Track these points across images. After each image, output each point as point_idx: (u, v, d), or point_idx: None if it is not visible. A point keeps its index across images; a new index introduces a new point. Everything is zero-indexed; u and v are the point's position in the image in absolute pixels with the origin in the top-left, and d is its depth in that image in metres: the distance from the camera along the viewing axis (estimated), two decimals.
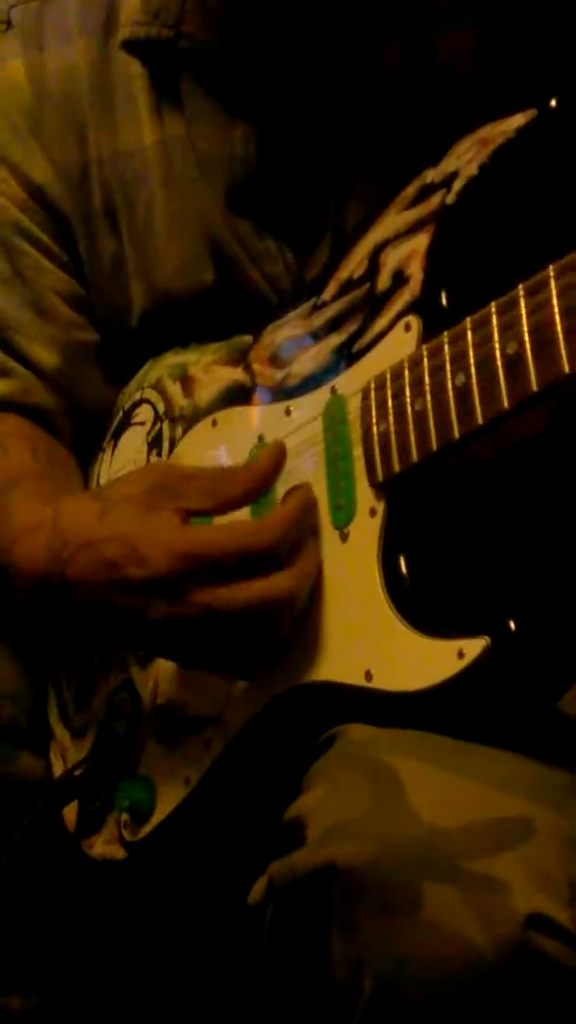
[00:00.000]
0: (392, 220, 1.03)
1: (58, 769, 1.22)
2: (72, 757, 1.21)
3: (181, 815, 1.09)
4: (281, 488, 1.06)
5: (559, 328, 0.84)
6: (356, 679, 0.96)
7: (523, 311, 0.88)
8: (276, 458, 1.04)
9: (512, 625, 0.88)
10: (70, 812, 1.20)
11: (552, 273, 0.86)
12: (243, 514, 1.06)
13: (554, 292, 0.85)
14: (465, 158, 0.97)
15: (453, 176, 0.98)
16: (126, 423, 1.26)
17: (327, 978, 0.87)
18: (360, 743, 0.95)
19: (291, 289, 1.13)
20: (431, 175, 1.00)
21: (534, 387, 0.86)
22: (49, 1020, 1.17)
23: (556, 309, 0.85)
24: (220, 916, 1.09)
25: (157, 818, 1.11)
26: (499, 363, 0.89)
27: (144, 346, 1.23)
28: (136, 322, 1.21)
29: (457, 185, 0.98)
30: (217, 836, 1.10)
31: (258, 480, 1.03)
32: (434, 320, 0.97)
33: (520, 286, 0.89)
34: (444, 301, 0.97)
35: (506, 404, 0.88)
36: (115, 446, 1.27)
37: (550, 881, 0.83)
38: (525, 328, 0.87)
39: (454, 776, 0.89)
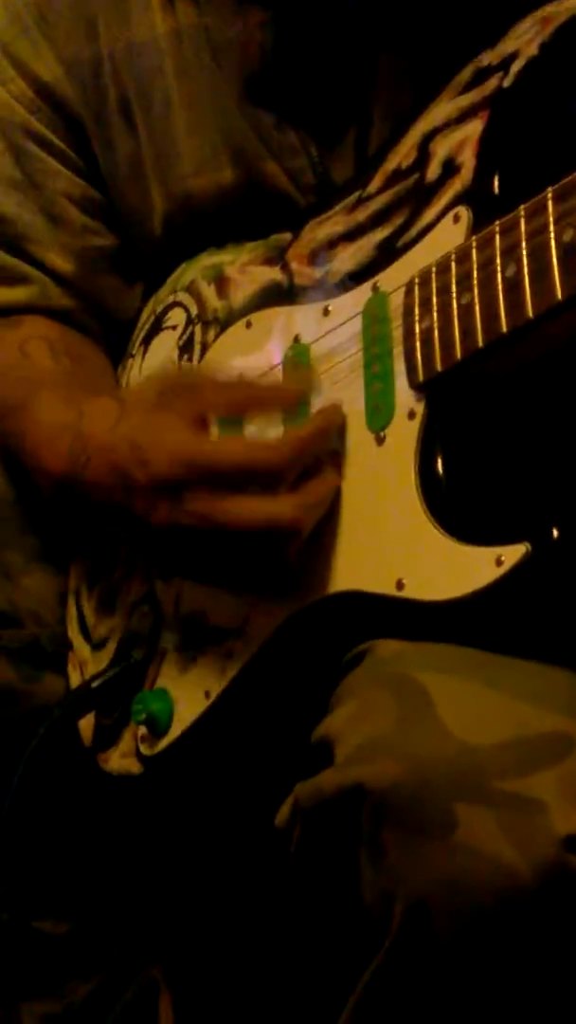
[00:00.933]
0: (444, 107, 0.97)
1: (75, 682, 1.19)
2: (91, 669, 1.17)
3: (200, 729, 1.05)
4: (315, 396, 1.02)
5: None
6: (387, 588, 0.91)
7: None
8: (306, 383, 1.00)
9: (555, 532, 0.83)
10: (86, 725, 1.17)
11: None
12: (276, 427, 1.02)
13: None
14: (525, 38, 0.91)
15: (512, 57, 0.92)
16: (157, 327, 1.21)
17: (356, 904, 0.83)
18: (389, 659, 0.90)
19: (316, 183, 1.08)
20: (487, 58, 0.94)
21: None
22: (81, 942, 1.15)
23: None
24: (239, 834, 1.06)
25: (175, 732, 1.07)
26: (554, 253, 0.83)
27: (171, 250, 1.19)
28: (159, 226, 1.17)
29: (516, 67, 0.92)
30: (237, 752, 1.05)
31: (281, 399, 1.00)
32: (485, 210, 0.91)
33: None
34: (496, 189, 0.91)
35: (559, 295, 0.82)
36: (145, 351, 1.22)
37: None
38: None
39: (488, 691, 0.84)
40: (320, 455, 0.98)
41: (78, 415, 1.03)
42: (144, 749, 1.09)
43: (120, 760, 1.12)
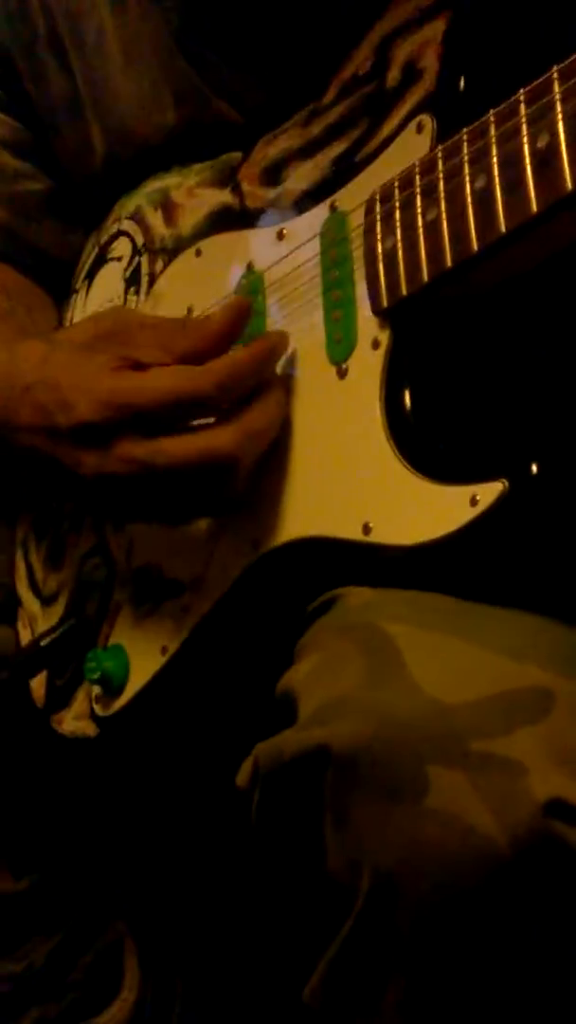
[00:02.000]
0: (403, 7, 0.89)
1: (25, 639, 1.13)
2: (41, 627, 1.11)
3: (157, 687, 0.98)
4: (274, 320, 0.94)
5: None
6: (352, 533, 0.84)
7: (557, 97, 0.74)
8: (239, 313, 0.92)
9: (534, 468, 0.76)
10: (38, 685, 1.10)
11: None
12: None
13: None
14: None
15: None
16: (102, 260, 1.13)
17: (322, 871, 0.77)
18: (357, 608, 0.84)
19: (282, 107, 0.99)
20: None
21: (569, 185, 0.73)
22: (41, 900, 1.10)
23: None
24: (201, 796, 0.99)
25: (131, 691, 1.00)
26: (527, 160, 0.75)
27: (114, 188, 1.11)
28: (100, 165, 1.09)
29: None
30: (198, 711, 0.99)
31: (216, 334, 0.91)
32: (451, 118, 0.83)
33: (554, 68, 0.75)
34: (462, 88, 0.83)
35: (534, 207, 0.75)
36: (89, 286, 1.15)
37: (571, 760, 0.72)
38: (560, 116, 0.74)
39: (463, 643, 0.77)
40: (264, 382, 0.91)
41: (8, 356, 0.96)
42: (99, 710, 1.02)
43: (74, 722, 1.06)
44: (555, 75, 0.75)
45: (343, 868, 0.75)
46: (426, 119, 0.86)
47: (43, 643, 1.07)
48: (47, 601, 1.12)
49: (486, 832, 0.71)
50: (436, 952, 0.73)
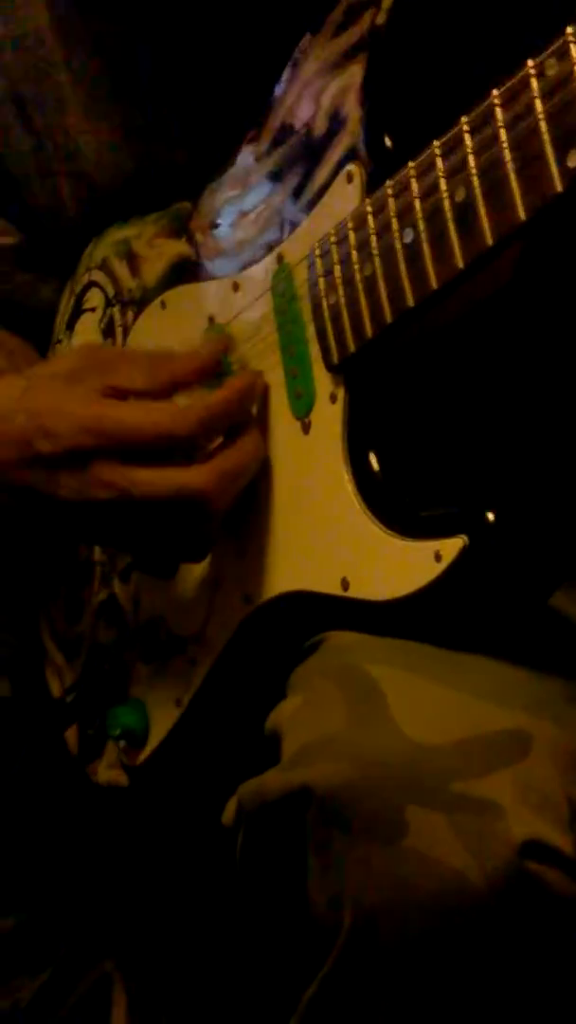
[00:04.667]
0: (322, 50, 0.88)
1: (55, 689, 1.16)
2: (68, 678, 1.14)
3: (176, 737, 1.01)
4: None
5: (510, 166, 0.71)
6: (332, 588, 0.86)
7: (469, 149, 0.74)
8: (217, 346, 0.94)
9: (491, 517, 0.77)
10: (71, 735, 1.14)
11: (497, 100, 0.72)
12: None
13: (501, 125, 0.71)
14: None
15: None
16: (78, 310, 1.15)
17: (305, 907, 0.79)
18: (342, 650, 0.85)
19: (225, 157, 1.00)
20: None
21: (489, 240, 0.73)
22: (29, 937, 1.13)
23: (505, 145, 0.71)
24: (193, 835, 1.02)
25: (154, 742, 1.03)
26: (448, 215, 0.75)
27: (85, 236, 1.12)
28: (73, 218, 1.10)
29: (386, 1, 0.83)
30: (217, 757, 1.02)
31: (195, 365, 0.93)
32: (379, 166, 0.83)
33: (463, 119, 0.75)
34: (387, 142, 0.83)
35: (460, 263, 0.75)
36: (71, 336, 1.16)
37: (548, 802, 0.74)
38: (474, 170, 0.74)
39: (442, 687, 0.79)
40: (242, 423, 0.92)
41: None
42: (127, 760, 1.06)
43: (108, 771, 1.09)
44: (465, 126, 0.75)
45: (325, 907, 0.77)
46: (355, 169, 0.85)
47: (68, 699, 1.11)
48: (70, 654, 1.15)
49: (464, 872, 0.73)
50: (416, 990, 0.75)
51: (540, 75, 0.69)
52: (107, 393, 0.92)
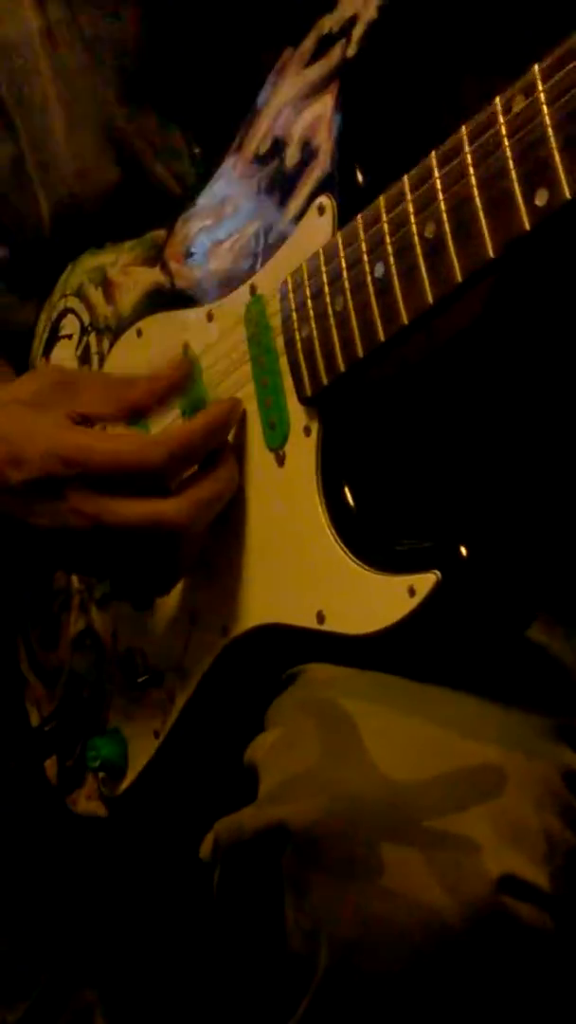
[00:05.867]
0: (293, 82, 0.88)
1: (35, 719, 1.15)
2: (46, 707, 1.13)
3: (155, 769, 1.01)
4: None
5: (478, 203, 0.70)
6: (308, 621, 0.85)
7: (438, 185, 0.74)
8: (182, 369, 0.94)
9: (464, 551, 0.76)
10: (51, 765, 1.13)
11: (465, 135, 0.72)
12: None
13: (469, 160, 0.71)
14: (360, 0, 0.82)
15: (351, 22, 0.83)
16: (55, 337, 1.14)
17: (283, 946, 0.79)
18: (317, 684, 0.85)
19: (197, 184, 1.00)
20: (328, 23, 0.85)
21: (458, 277, 0.73)
22: (10, 967, 1.12)
23: (473, 180, 0.71)
24: (200, 869, 1.02)
25: (132, 773, 1.03)
26: (418, 250, 0.75)
27: (60, 253, 1.11)
28: (48, 228, 1.09)
29: (356, 32, 0.82)
30: (196, 787, 1.01)
31: (159, 387, 0.93)
32: (350, 198, 0.83)
33: (432, 153, 0.74)
34: (359, 175, 0.82)
35: (430, 299, 0.75)
36: (47, 363, 1.16)
37: (524, 836, 0.74)
38: (443, 206, 0.73)
39: (417, 722, 0.79)
40: (216, 452, 0.91)
41: None
42: (106, 791, 1.05)
43: (87, 802, 1.08)
44: (434, 162, 0.75)
45: (302, 944, 0.77)
46: (326, 201, 0.85)
47: (46, 728, 1.10)
48: (48, 683, 1.14)
49: (440, 908, 0.72)
50: None
51: (507, 111, 0.69)
52: (74, 419, 0.92)
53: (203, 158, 1.01)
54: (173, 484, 0.90)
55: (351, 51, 0.82)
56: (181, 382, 0.94)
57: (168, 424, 0.97)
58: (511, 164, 0.68)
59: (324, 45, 0.85)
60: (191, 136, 1.02)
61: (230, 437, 0.93)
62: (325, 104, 0.85)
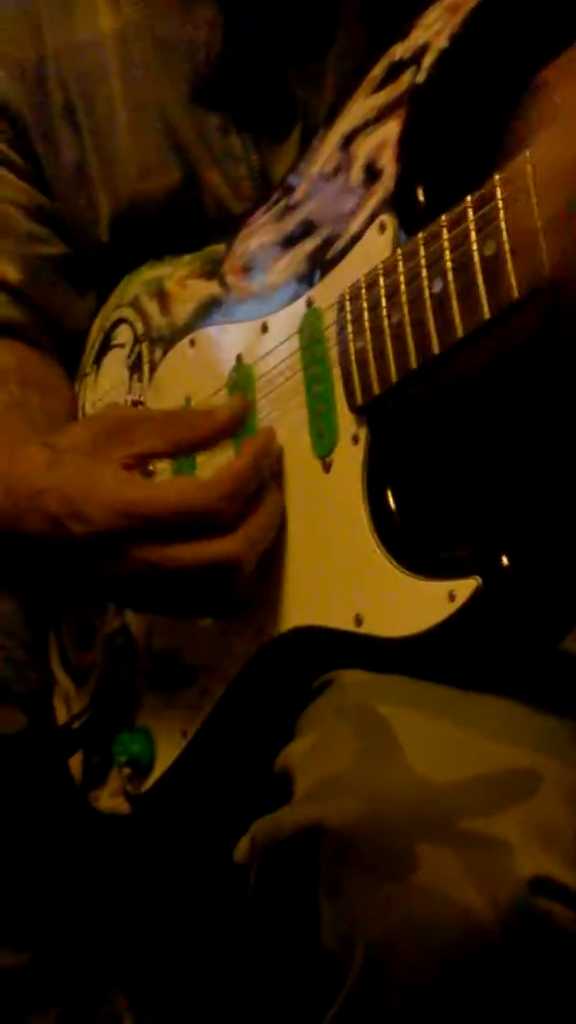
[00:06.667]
0: (360, 106, 0.92)
1: (62, 716, 1.17)
2: (76, 705, 1.15)
3: (180, 768, 1.03)
4: (264, 413, 0.98)
5: (538, 224, 0.74)
6: (346, 624, 0.88)
7: (500, 204, 0.77)
8: (239, 409, 0.96)
9: (505, 560, 0.79)
10: (75, 763, 1.15)
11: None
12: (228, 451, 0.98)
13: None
14: (434, 28, 0.85)
15: (423, 50, 0.86)
16: (107, 346, 1.17)
17: (317, 944, 0.80)
18: (352, 689, 0.87)
19: (253, 195, 1.03)
20: (399, 51, 0.88)
21: (515, 293, 0.76)
22: (39, 974, 1.12)
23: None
24: (225, 872, 1.03)
25: (158, 771, 1.04)
26: (478, 267, 0.78)
27: (119, 259, 1.14)
28: (106, 233, 1.12)
29: (427, 60, 0.86)
30: (220, 789, 1.03)
31: (216, 427, 0.96)
32: (411, 218, 0.86)
33: (495, 176, 0.78)
34: (420, 196, 0.86)
35: (487, 313, 0.78)
36: (98, 371, 1.18)
37: (556, 839, 0.75)
38: (504, 225, 0.77)
39: (452, 726, 0.81)
40: (263, 482, 0.94)
41: (8, 462, 0.99)
42: (130, 789, 1.07)
43: (110, 799, 1.10)
44: (497, 183, 0.78)
45: (336, 943, 0.79)
46: (387, 220, 0.88)
47: (75, 725, 1.12)
48: (79, 680, 1.16)
49: (474, 909, 0.74)
50: None
51: None
52: (130, 465, 0.95)
53: (262, 167, 1.04)
54: (229, 522, 0.92)
55: (420, 78, 0.86)
56: (236, 421, 0.97)
57: (217, 461, 0.98)
58: None
59: (394, 71, 0.89)
60: (250, 140, 1.05)
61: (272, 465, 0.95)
62: (391, 128, 0.89)
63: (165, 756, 1.04)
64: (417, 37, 0.87)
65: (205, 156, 1.06)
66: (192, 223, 1.08)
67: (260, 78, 1.03)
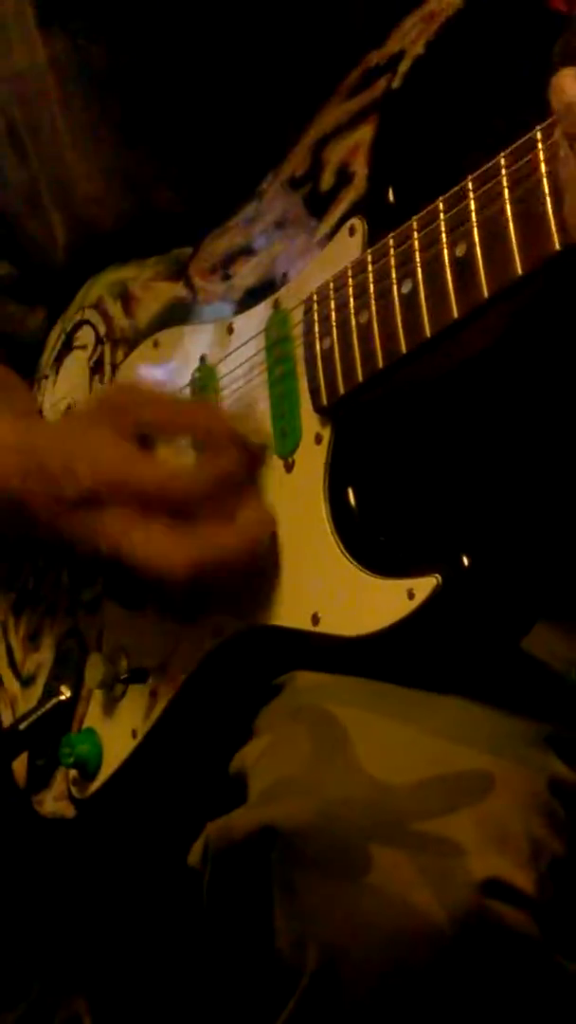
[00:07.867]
0: (334, 111, 0.93)
1: (6, 719, 1.16)
2: (21, 707, 1.14)
3: (129, 770, 1.02)
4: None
5: (511, 225, 0.75)
6: (302, 623, 0.88)
7: (472, 207, 0.78)
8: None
9: (465, 560, 0.79)
10: (19, 766, 1.13)
11: (503, 162, 0.76)
12: None
13: (505, 184, 0.75)
14: (411, 36, 0.87)
15: (398, 57, 0.88)
16: (68, 347, 1.17)
17: (270, 946, 0.80)
18: (307, 691, 0.87)
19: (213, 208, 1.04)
20: (375, 58, 0.90)
21: (485, 293, 0.76)
22: (2, 973, 1.12)
23: (507, 203, 0.75)
24: (173, 875, 1.02)
25: (105, 773, 1.03)
26: (447, 267, 0.79)
27: (76, 273, 1.15)
28: (63, 255, 1.13)
29: (403, 67, 0.87)
30: (169, 791, 1.02)
31: (215, 429, 0.95)
32: (381, 221, 0.87)
33: (469, 178, 0.79)
34: (391, 199, 0.87)
35: (455, 313, 0.78)
36: (58, 371, 1.18)
37: (509, 841, 0.76)
38: (475, 226, 0.77)
39: (406, 727, 0.81)
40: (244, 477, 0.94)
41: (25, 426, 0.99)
42: (76, 792, 1.06)
43: (54, 803, 1.09)
44: (470, 185, 0.79)
45: (290, 946, 0.78)
46: (357, 223, 0.89)
47: (22, 727, 1.11)
48: (26, 682, 1.15)
49: (426, 910, 0.74)
50: None
51: (547, 138, 0.73)
52: (133, 437, 0.94)
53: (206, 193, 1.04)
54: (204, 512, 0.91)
55: (396, 84, 0.87)
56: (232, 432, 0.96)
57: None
58: (546, 187, 0.72)
59: (369, 78, 0.90)
60: (192, 165, 1.05)
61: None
62: (365, 132, 0.90)
63: (113, 757, 1.03)
64: (393, 44, 0.88)
65: (156, 177, 1.06)
66: (148, 234, 1.09)
67: (199, 103, 1.03)
